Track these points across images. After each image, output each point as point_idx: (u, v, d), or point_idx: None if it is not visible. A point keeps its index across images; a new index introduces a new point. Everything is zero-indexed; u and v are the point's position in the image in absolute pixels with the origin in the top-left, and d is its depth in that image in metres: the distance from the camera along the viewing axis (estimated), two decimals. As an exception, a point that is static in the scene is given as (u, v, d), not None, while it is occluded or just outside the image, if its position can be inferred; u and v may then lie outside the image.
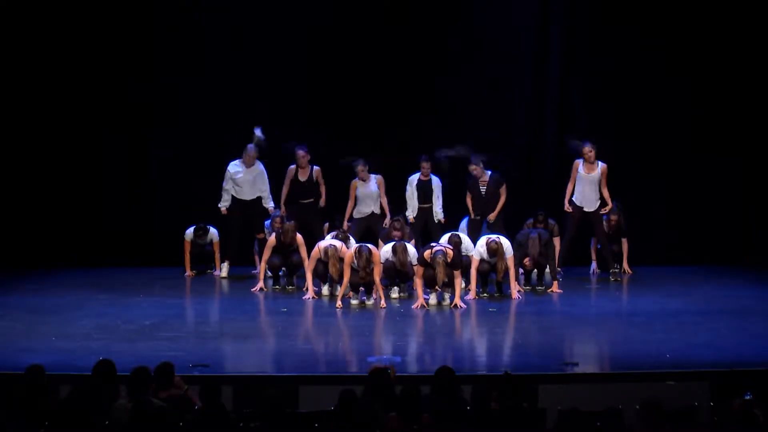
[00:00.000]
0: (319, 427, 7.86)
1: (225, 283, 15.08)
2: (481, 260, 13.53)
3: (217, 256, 15.29)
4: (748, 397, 8.00)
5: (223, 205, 15.14)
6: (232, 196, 15.11)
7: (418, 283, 13.13)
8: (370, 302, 13.33)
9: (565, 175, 15.28)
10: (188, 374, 9.60)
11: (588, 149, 14.77)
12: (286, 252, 14.21)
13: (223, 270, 15.24)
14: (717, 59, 16.09)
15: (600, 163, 14.83)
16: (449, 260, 13.01)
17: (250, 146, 15.00)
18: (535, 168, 16.41)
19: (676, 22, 16.07)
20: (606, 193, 14.83)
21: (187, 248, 15.27)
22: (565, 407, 8.14)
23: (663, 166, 16.14)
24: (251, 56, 16.19)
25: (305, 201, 15.10)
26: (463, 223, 15.07)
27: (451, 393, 8.32)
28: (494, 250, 13.44)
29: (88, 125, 16.12)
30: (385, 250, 13.51)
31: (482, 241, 13.59)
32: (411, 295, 13.62)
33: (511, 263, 13.53)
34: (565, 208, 14.92)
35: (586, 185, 14.85)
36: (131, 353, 10.47)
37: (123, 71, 16.04)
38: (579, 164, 14.85)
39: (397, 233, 13.93)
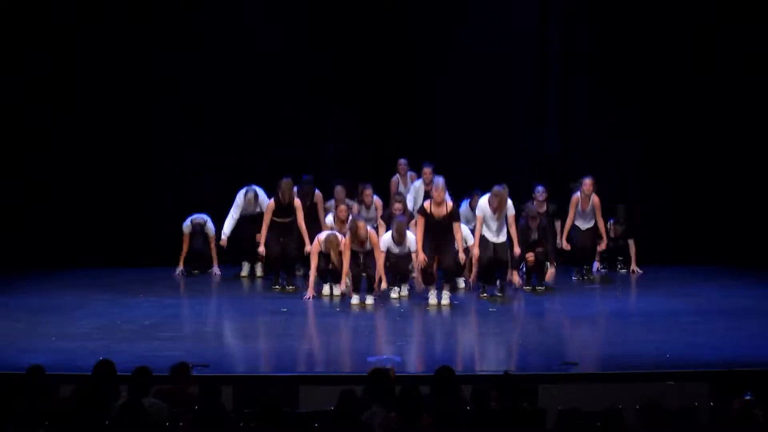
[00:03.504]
0: (319, 427, 7.85)
1: (225, 283, 15.08)
2: (484, 249, 13.51)
3: (214, 253, 15.25)
4: (748, 397, 8.00)
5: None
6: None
7: (419, 239, 13.14)
8: (369, 302, 13.33)
9: (566, 174, 15.32)
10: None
11: (588, 183, 14.83)
12: (284, 233, 14.14)
13: (244, 269, 15.24)
14: (717, 59, 16.09)
15: (593, 196, 14.85)
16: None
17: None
18: (535, 169, 16.41)
19: (676, 21, 16.08)
20: (601, 224, 14.89)
21: (186, 242, 15.26)
22: (565, 407, 8.14)
23: (663, 165, 16.14)
24: (251, 56, 16.19)
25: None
26: (464, 207, 15.02)
27: (451, 393, 8.32)
28: (498, 195, 13.46)
29: (88, 125, 16.14)
30: (386, 239, 13.54)
31: (483, 199, 13.62)
32: (411, 295, 13.60)
33: (512, 221, 13.59)
34: (564, 246, 14.92)
35: (580, 219, 14.98)
36: (131, 353, 10.47)
37: (123, 71, 16.05)
38: (578, 199, 14.85)
39: (398, 205, 14.00)
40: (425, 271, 13.31)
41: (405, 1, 16.38)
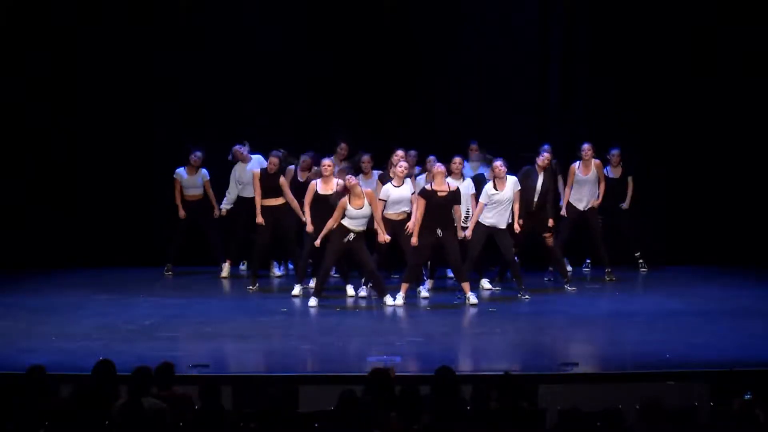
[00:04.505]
0: (319, 427, 7.85)
1: (225, 282, 15.09)
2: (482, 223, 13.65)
3: (211, 196, 15.37)
4: (748, 397, 8.00)
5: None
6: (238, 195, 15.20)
7: (419, 219, 13.18)
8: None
9: (566, 173, 15.31)
10: (188, 374, 9.64)
11: (587, 149, 14.85)
12: (277, 216, 14.20)
13: (224, 270, 15.25)
14: (717, 59, 16.09)
15: (594, 160, 14.93)
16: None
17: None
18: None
19: (676, 21, 16.07)
20: (602, 188, 15.01)
21: (178, 187, 15.34)
22: (565, 407, 8.14)
23: (663, 165, 16.13)
24: (251, 56, 16.19)
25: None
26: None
27: (451, 393, 8.32)
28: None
29: (88, 125, 16.15)
30: (386, 186, 13.66)
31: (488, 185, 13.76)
32: (412, 303, 13.55)
33: (516, 197, 13.73)
34: (562, 213, 14.95)
35: (585, 186, 14.92)
36: (131, 353, 10.48)
37: (123, 71, 16.05)
38: (576, 167, 14.91)
39: (398, 155, 13.96)
40: (416, 266, 13.33)
41: (405, 1, 16.38)
